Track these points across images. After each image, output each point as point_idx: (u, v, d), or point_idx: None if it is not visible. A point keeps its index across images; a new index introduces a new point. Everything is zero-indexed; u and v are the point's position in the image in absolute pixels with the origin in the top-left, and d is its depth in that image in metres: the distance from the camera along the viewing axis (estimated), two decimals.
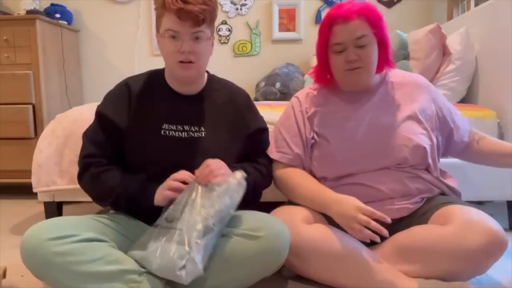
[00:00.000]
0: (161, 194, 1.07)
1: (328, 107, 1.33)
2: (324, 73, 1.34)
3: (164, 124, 1.18)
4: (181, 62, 1.13)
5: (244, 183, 1.04)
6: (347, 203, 1.13)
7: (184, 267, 0.93)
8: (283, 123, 1.39)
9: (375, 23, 1.23)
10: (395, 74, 1.37)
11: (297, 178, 1.29)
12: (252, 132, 1.27)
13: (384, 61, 1.29)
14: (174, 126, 1.18)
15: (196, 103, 1.23)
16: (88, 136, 1.20)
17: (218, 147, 1.19)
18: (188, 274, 0.93)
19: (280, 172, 1.33)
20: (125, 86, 1.22)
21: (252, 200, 1.20)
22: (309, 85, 1.43)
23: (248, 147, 1.27)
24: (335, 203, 1.16)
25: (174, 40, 1.12)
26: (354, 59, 1.21)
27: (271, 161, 1.34)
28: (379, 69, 1.30)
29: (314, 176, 1.31)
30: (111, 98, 1.23)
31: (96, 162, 1.17)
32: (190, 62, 1.13)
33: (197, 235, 0.95)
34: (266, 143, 1.34)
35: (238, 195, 1.02)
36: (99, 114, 1.21)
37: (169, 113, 1.20)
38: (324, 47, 1.27)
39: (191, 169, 1.09)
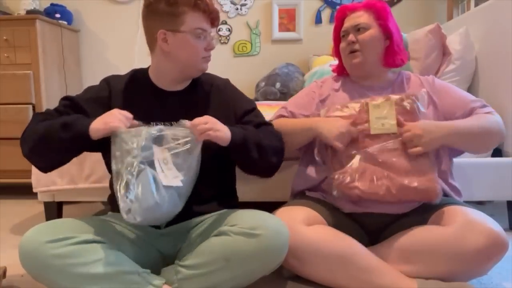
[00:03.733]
0: (102, 122, 1.03)
1: (339, 93, 1.40)
2: (341, 66, 1.46)
3: (152, 123, 1.18)
4: (204, 57, 1.21)
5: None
6: (333, 121, 1.24)
7: (128, 211, 0.96)
8: (291, 99, 1.51)
9: (380, 14, 1.34)
10: (408, 74, 1.43)
11: (289, 120, 1.40)
12: (240, 116, 1.26)
13: (391, 54, 1.34)
14: (161, 123, 1.18)
15: (182, 99, 1.24)
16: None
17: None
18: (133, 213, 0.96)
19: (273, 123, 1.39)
20: (105, 85, 1.24)
21: (259, 159, 1.16)
22: (326, 77, 1.54)
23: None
24: (321, 123, 1.26)
25: (200, 39, 1.18)
26: (352, 40, 1.32)
27: (275, 130, 1.29)
28: (387, 62, 1.35)
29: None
30: (89, 93, 1.23)
31: (46, 113, 1.15)
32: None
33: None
34: (259, 117, 1.30)
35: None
36: (71, 100, 1.19)
37: (156, 111, 1.20)
38: (337, 39, 1.42)
39: None
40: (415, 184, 1.14)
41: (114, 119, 1.03)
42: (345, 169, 1.20)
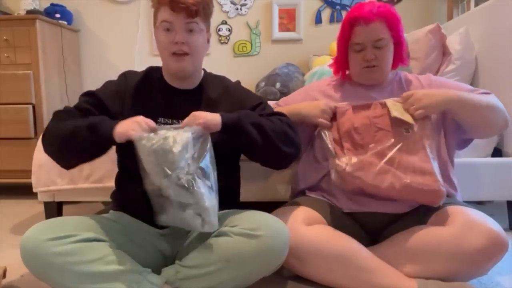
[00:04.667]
0: (125, 128, 1.02)
1: (340, 94, 1.41)
2: (342, 67, 1.43)
3: (160, 118, 1.19)
4: (175, 54, 1.16)
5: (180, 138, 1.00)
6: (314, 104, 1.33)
7: (202, 222, 1.00)
8: (285, 97, 1.54)
9: (394, 26, 1.31)
10: (405, 75, 1.44)
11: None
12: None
13: (399, 59, 1.39)
14: (170, 120, 1.19)
15: (192, 98, 1.24)
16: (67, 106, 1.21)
17: (212, 139, 1.17)
18: (206, 225, 1.01)
19: None
20: (123, 77, 1.26)
21: (262, 143, 1.11)
22: (325, 79, 1.54)
23: None
24: (302, 107, 1.35)
25: (168, 32, 1.15)
26: (372, 58, 1.30)
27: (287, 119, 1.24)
28: (394, 65, 1.39)
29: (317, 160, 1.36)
30: (110, 86, 1.25)
31: (67, 112, 1.16)
32: (184, 53, 1.16)
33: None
34: (268, 110, 1.25)
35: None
36: (93, 95, 1.21)
37: (165, 107, 1.21)
38: (345, 44, 1.36)
39: None
40: (420, 183, 1.14)
41: (136, 127, 1.02)
42: (352, 158, 1.20)
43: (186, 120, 1.07)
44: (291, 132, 1.17)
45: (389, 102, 1.26)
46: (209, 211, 1.00)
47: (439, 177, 1.16)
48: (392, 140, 1.21)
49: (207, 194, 1.01)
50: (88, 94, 1.22)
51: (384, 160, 1.18)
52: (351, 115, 1.27)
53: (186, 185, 0.98)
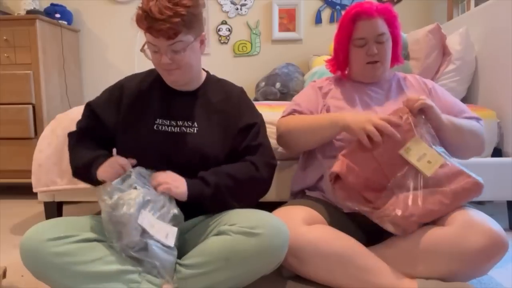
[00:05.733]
0: (99, 170, 1.10)
1: (340, 89, 1.42)
2: (342, 65, 1.43)
3: (158, 119, 1.19)
4: (165, 69, 1.16)
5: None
6: (361, 114, 1.24)
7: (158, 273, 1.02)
8: (299, 95, 1.49)
9: (392, 23, 1.35)
10: (403, 75, 1.46)
11: (306, 117, 1.35)
12: (241, 127, 1.22)
13: (395, 58, 1.41)
14: (168, 121, 1.19)
15: (191, 100, 1.23)
16: (78, 122, 1.27)
17: (209, 143, 1.17)
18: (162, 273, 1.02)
19: (280, 121, 1.40)
20: (119, 85, 1.26)
21: (220, 205, 1.13)
22: (323, 78, 1.53)
23: (239, 143, 1.21)
24: (347, 114, 1.23)
25: (154, 53, 1.13)
26: (375, 52, 1.31)
27: (266, 160, 1.20)
28: (390, 64, 1.41)
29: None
30: (104, 95, 1.27)
31: (78, 134, 1.25)
32: (174, 68, 1.14)
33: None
34: (257, 138, 1.22)
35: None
36: (89, 107, 1.25)
37: (163, 109, 1.21)
38: (346, 40, 1.36)
39: (181, 164, 1.12)
40: (460, 185, 1.13)
41: (107, 168, 1.09)
42: (392, 202, 1.13)
43: (153, 179, 1.09)
44: (257, 187, 1.22)
45: (404, 153, 1.14)
46: (164, 267, 1.02)
47: (468, 170, 1.15)
48: (406, 167, 1.14)
49: (162, 254, 1.01)
50: (86, 107, 1.26)
51: (418, 188, 1.13)
52: (355, 171, 1.16)
53: (138, 254, 1.00)
